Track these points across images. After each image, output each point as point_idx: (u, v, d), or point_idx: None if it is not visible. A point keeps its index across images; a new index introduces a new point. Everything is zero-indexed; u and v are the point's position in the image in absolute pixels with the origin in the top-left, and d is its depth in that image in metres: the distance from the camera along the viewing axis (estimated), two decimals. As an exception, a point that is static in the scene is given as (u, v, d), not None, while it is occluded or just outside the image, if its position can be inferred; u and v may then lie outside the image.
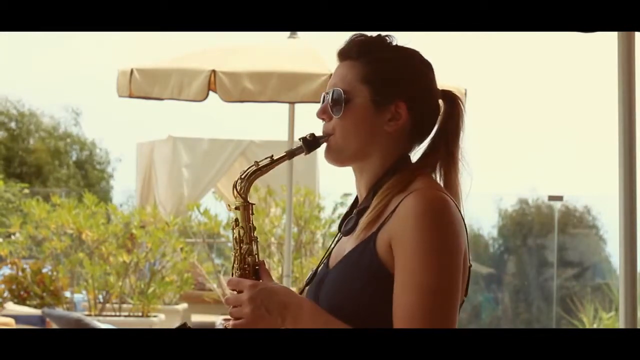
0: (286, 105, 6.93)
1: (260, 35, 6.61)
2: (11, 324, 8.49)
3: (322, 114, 2.14)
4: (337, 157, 2.13)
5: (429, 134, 2.15)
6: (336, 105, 2.11)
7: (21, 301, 10.07)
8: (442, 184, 2.13)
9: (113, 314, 9.78)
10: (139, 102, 6.17)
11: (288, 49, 6.28)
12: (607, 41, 3.64)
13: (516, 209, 14.01)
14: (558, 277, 12.93)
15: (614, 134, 3.53)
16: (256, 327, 2.03)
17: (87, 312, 9.76)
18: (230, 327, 2.06)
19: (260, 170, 2.12)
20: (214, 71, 5.69)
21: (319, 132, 2.15)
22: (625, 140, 3.50)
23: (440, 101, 2.17)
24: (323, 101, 2.15)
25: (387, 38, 2.16)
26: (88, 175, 26.37)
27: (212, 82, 5.69)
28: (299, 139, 2.15)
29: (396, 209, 2.02)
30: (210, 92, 5.75)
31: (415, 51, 2.17)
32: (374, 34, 2.18)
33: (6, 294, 10.00)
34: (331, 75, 2.23)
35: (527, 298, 13.24)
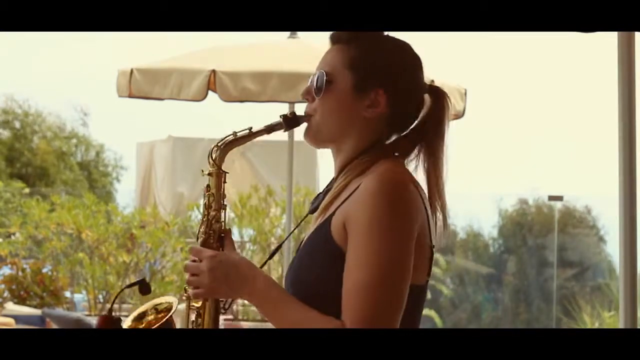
0: (286, 105, 6.93)
1: (260, 35, 6.61)
2: (11, 324, 8.49)
3: (306, 94, 2.20)
4: (314, 137, 2.20)
5: (409, 126, 2.20)
6: (319, 87, 2.17)
7: (21, 301, 10.05)
8: (425, 177, 2.16)
9: (113, 314, 9.76)
10: (139, 102, 6.17)
11: (288, 49, 6.28)
12: (607, 41, 3.65)
13: (516, 209, 13.99)
14: (558, 277, 12.93)
15: (614, 134, 3.53)
16: (213, 297, 2.10)
17: (87, 312, 9.76)
18: (188, 295, 2.12)
19: (237, 140, 2.21)
20: (214, 71, 5.69)
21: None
22: (625, 140, 3.50)
23: (427, 96, 2.20)
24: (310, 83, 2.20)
25: None
26: (93, 178, 26.28)
27: (212, 82, 5.69)
28: (280, 116, 2.20)
29: (354, 192, 2.07)
30: (210, 92, 5.75)
31: (406, 44, 2.21)
32: None
33: (6, 294, 9.98)
34: None
35: (527, 298, 13.23)
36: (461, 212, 13.38)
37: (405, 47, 2.20)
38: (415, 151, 2.19)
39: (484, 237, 13.92)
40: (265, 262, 2.32)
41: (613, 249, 12.93)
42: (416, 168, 2.18)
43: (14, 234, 10.96)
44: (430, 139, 2.18)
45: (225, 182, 2.18)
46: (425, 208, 2.10)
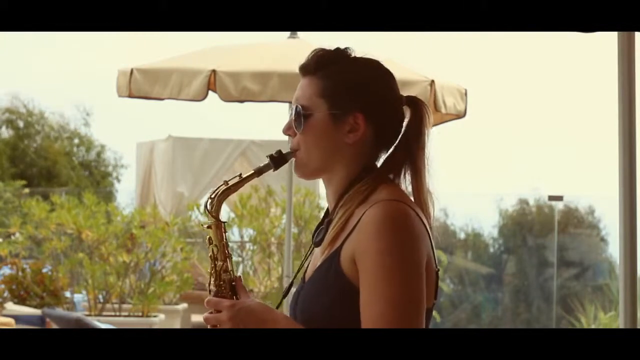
0: (286, 105, 6.93)
1: (260, 35, 6.61)
2: (11, 324, 8.49)
3: (287, 130, 2.20)
4: (303, 171, 2.20)
5: (394, 142, 2.18)
6: (297, 121, 2.16)
7: (21, 301, 10.06)
8: (410, 190, 2.16)
9: (113, 314, 9.78)
10: (139, 102, 6.17)
11: (288, 49, 6.28)
12: (607, 41, 3.65)
13: (516, 209, 13.99)
14: (558, 277, 12.93)
15: (614, 134, 3.53)
16: None
17: (87, 312, 9.76)
18: None
19: (229, 189, 2.17)
20: (214, 71, 5.69)
21: (286, 149, 2.20)
22: (625, 141, 3.50)
23: (407, 108, 2.19)
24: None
25: (346, 50, 2.19)
26: (95, 178, 26.26)
27: (212, 82, 5.70)
28: (267, 156, 2.20)
29: (359, 222, 2.07)
30: (210, 92, 5.75)
31: (373, 61, 2.20)
32: (333, 47, 2.20)
33: (6, 294, 9.98)
34: None
35: (527, 298, 13.23)
36: (461, 212, 13.38)
37: (374, 65, 2.19)
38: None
39: (484, 237, 13.91)
40: (279, 304, 2.31)
41: (614, 249, 12.93)
42: (400, 181, 2.16)
43: (14, 234, 10.97)
44: (412, 152, 2.16)
45: (225, 231, 2.18)
46: (428, 234, 2.10)
